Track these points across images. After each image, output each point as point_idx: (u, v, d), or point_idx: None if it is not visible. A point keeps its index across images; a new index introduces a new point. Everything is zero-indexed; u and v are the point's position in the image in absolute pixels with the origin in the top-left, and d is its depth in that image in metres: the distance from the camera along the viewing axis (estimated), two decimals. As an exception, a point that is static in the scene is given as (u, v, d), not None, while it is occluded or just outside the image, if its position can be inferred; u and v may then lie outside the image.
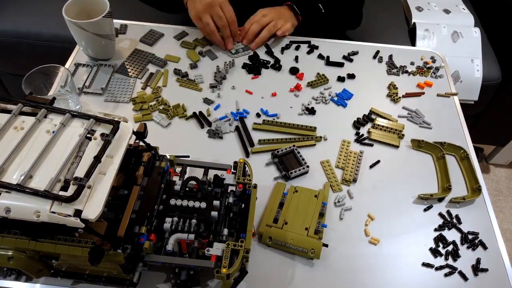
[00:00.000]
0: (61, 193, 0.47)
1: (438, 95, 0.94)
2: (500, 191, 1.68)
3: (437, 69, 0.98)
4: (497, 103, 1.40)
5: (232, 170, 0.66)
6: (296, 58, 0.99)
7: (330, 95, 0.92)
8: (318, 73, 0.96)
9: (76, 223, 0.45)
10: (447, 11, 1.37)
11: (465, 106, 0.92)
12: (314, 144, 0.82)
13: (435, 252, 0.69)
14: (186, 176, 0.63)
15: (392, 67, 0.99)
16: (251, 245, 0.57)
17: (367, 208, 0.73)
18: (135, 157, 0.60)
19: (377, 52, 1.02)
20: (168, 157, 0.65)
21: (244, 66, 0.96)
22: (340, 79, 0.95)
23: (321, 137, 0.84)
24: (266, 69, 0.96)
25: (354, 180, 0.77)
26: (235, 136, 0.83)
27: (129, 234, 0.53)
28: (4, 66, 1.46)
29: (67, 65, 0.94)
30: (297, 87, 0.92)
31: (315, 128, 0.84)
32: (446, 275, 0.66)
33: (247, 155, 0.79)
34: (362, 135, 0.85)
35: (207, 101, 0.88)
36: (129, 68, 0.94)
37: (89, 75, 0.91)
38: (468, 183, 0.78)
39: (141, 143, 0.61)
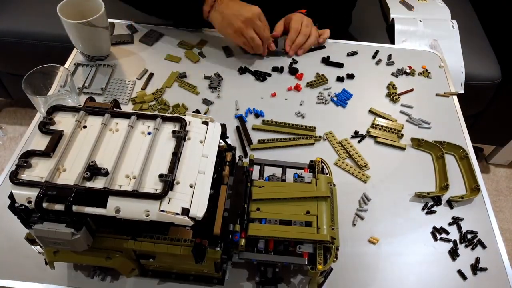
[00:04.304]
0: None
1: (437, 94, 0.94)
2: (500, 191, 1.68)
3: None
4: (497, 103, 1.40)
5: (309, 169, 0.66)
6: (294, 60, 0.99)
7: (329, 95, 0.92)
8: (317, 73, 0.96)
9: (185, 221, 0.47)
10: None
11: (464, 106, 0.92)
12: (313, 143, 0.82)
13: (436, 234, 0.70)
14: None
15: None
16: (339, 242, 0.58)
17: (366, 208, 0.74)
18: (219, 157, 0.60)
19: (376, 52, 1.02)
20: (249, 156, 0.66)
21: (240, 70, 0.96)
22: (340, 79, 0.95)
23: (320, 136, 0.84)
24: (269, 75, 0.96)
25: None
26: (234, 136, 0.83)
27: (224, 232, 0.54)
28: (4, 66, 1.46)
29: (67, 65, 0.94)
30: (297, 87, 0.92)
31: (314, 128, 0.84)
32: (445, 274, 0.66)
33: (245, 155, 0.80)
34: (362, 134, 0.85)
35: (206, 102, 0.88)
36: (128, 68, 0.94)
37: (88, 75, 0.91)
38: (467, 182, 0.78)
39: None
